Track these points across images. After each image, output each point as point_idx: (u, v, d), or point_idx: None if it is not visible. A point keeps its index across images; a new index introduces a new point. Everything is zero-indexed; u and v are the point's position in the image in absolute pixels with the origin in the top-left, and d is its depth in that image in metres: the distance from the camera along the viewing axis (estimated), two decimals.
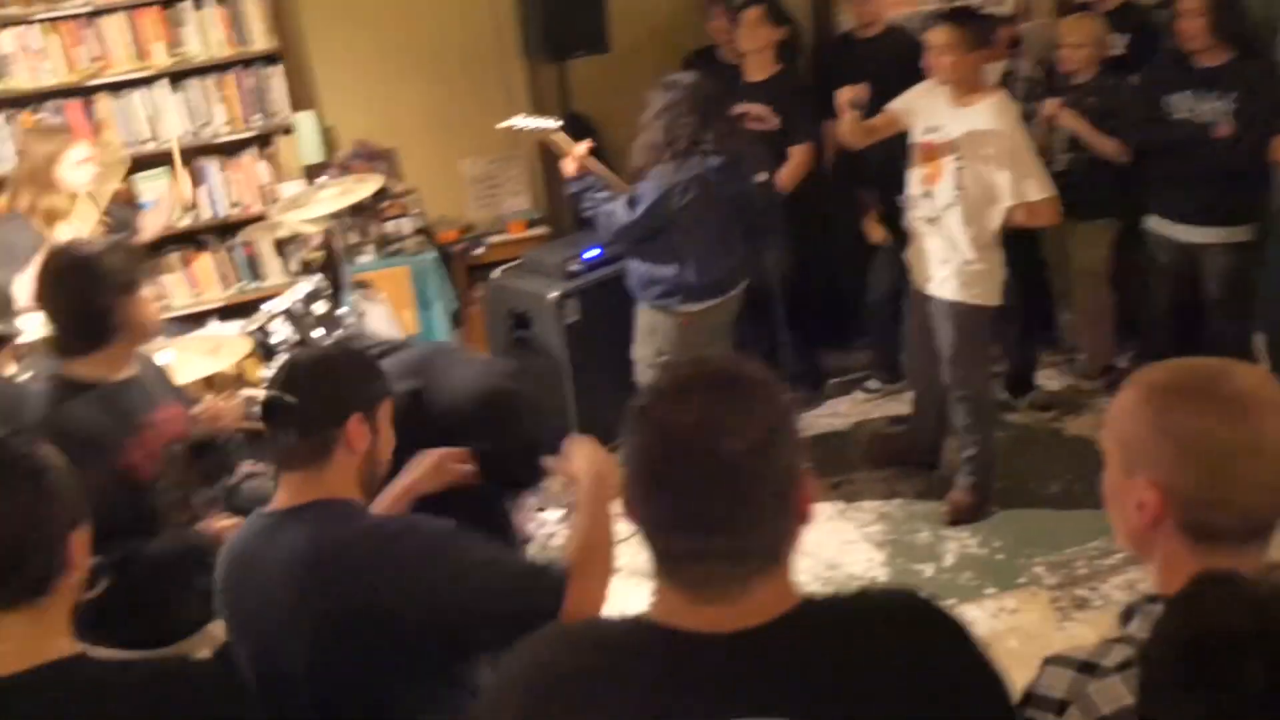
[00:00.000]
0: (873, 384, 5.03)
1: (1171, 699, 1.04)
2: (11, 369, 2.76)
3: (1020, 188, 3.69)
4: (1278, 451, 1.21)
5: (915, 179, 3.89)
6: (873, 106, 4.80)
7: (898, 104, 4.00)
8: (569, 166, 3.91)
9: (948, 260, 3.84)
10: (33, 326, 3.56)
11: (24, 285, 3.50)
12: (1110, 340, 4.84)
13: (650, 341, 3.99)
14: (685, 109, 3.72)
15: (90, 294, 2.36)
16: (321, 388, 1.82)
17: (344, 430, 1.81)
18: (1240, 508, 1.22)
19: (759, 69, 4.61)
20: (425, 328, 4.81)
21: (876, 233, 4.76)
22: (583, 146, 3.91)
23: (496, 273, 4.74)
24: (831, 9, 5.21)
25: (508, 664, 1.29)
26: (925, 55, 3.86)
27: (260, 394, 3.44)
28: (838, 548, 3.99)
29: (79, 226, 3.82)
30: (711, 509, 1.13)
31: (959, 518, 4.06)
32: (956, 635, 1.23)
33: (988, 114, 3.69)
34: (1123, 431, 1.28)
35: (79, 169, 3.87)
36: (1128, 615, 1.27)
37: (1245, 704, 1.00)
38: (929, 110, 3.83)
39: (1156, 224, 4.40)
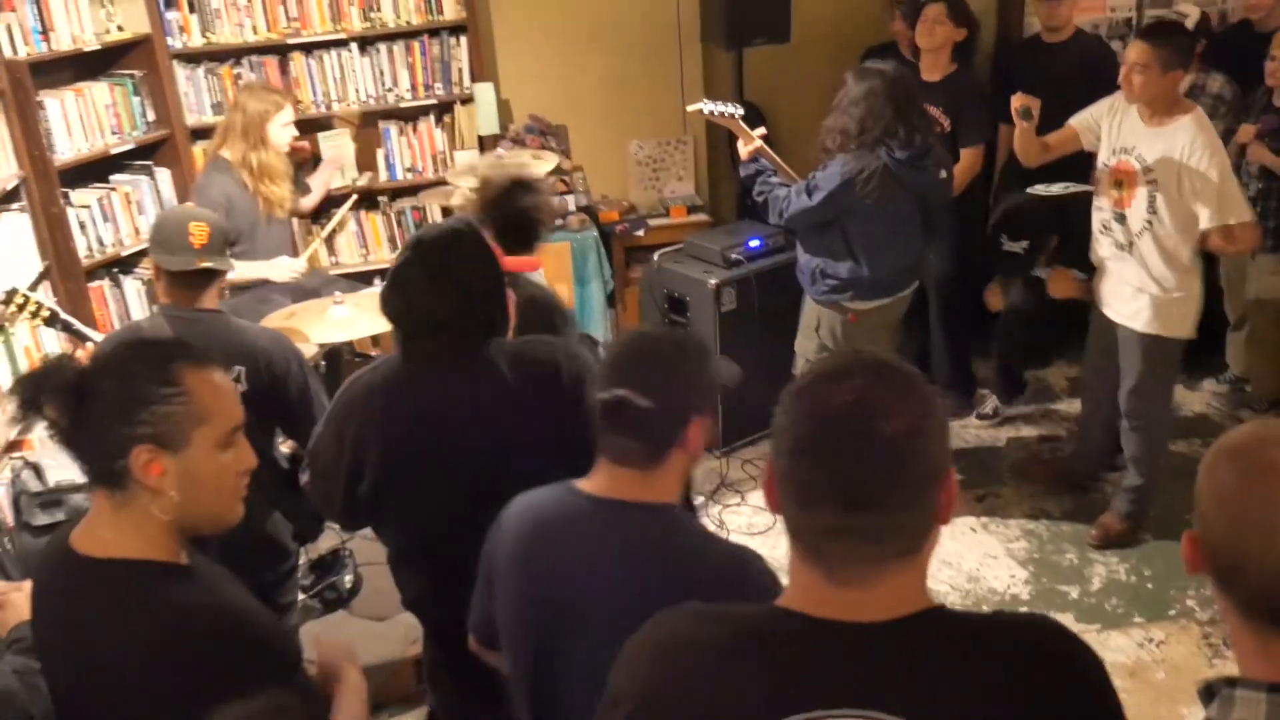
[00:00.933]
0: (987, 408, 4.90)
1: None
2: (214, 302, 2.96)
3: (1220, 210, 3.50)
4: None
5: (1105, 202, 3.74)
6: (1054, 116, 4.70)
7: (1079, 120, 3.86)
8: (746, 149, 3.92)
9: (1142, 289, 3.66)
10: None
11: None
12: None
13: (815, 335, 3.97)
14: (883, 99, 3.66)
15: None
16: (671, 389, 1.73)
17: (685, 433, 1.74)
18: (1263, 590, 1.17)
19: (934, 68, 4.53)
20: (581, 304, 4.89)
21: (995, 301, 4.66)
22: (760, 131, 3.93)
23: (656, 255, 4.78)
24: (1019, 10, 5.08)
25: (644, 631, 1.32)
26: (1118, 68, 3.72)
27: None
28: (980, 561, 3.92)
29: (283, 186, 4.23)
30: (863, 484, 1.15)
31: (1107, 543, 3.95)
32: (1087, 669, 1.23)
33: (1184, 135, 3.50)
34: (1199, 475, 1.26)
35: (285, 130, 4.23)
36: (1209, 694, 1.23)
37: None
38: (1119, 130, 3.67)
39: None
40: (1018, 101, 3.83)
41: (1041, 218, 4.06)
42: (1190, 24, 4.58)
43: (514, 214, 2.98)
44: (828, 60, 5.33)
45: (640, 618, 1.35)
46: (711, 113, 3.92)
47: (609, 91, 5.30)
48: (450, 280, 2.23)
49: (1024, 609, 3.66)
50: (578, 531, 1.74)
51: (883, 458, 1.15)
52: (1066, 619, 3.60)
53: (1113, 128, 3.70)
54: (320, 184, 4.72)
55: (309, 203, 4.66)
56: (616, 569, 1.68)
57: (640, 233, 5.16)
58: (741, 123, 3.93)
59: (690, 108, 4.14)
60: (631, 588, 1.65)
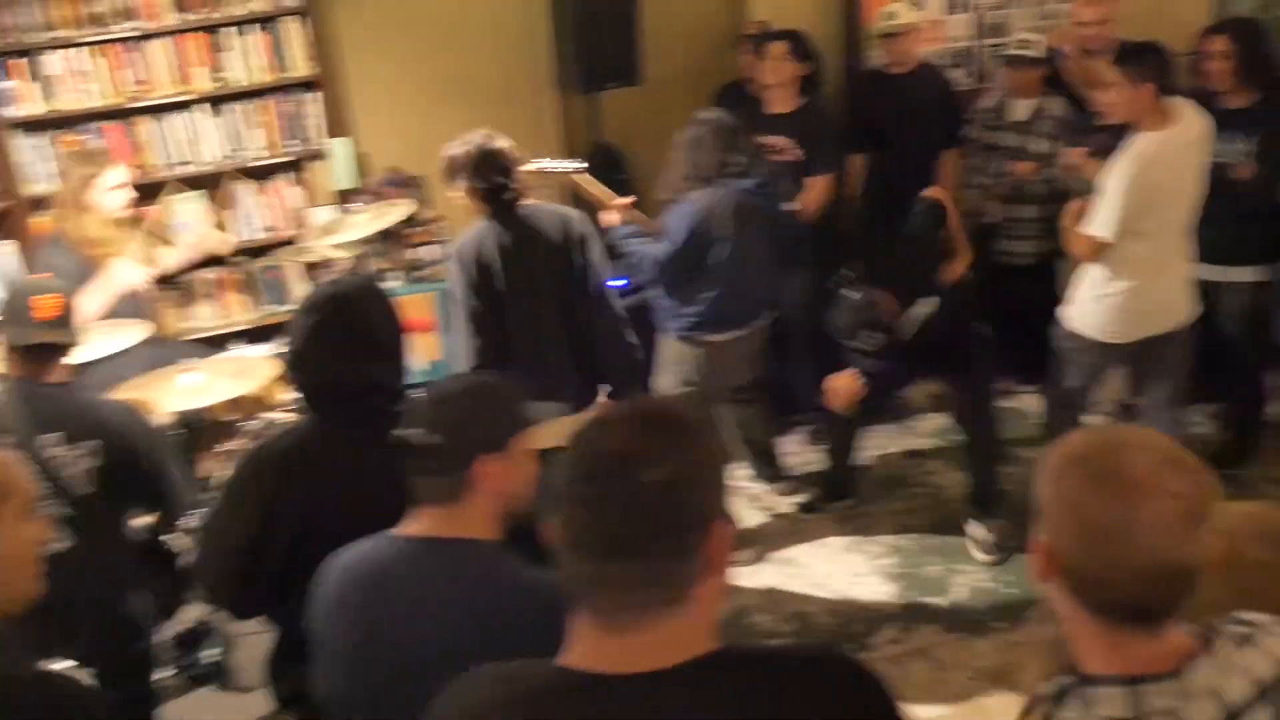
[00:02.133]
0: None
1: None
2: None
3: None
4: (1153, 541, 1.22)
5: None
6: (902, 145, 4.88)
7: None
8: (612, 218, 3.97)
9: None
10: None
11: (88, 304, 3.65)
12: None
13: (675, 371, 4.05)
14: (708, 141, 3.83)
15: None
16: (457, 426, 1.80)
17: (481, 469, 1.79)
18: (1116, 588, 1.25)
19: (784, 102, 4.68)
20: (449, 353, 4.88)
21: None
22: (625, 200, 3.98)
23: None
24: (863, 43, 5.26)
25: (441, 697, 1.35)
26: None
27: (284, 416, 3.58)
28: (849, 580, 4.02)
29: (124, 251, 4.02)
30: (619, 532, 1.18)
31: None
32: (873, 700, 1.27)
33: None
34: (1040, 487, 1.32)
35: (115, 194, 4.03)
36: (1059, 695, 1.29)
37: None
38: None
39: None
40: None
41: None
42: (1037, 53, 4.80)
43: (493, 184, 3.37)
44: (681, 99, 5.43)
45: (467, 655, 1.38)
46: (549, 170, 3.99)
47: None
48: (372, 340, 2.22)
49: (892, 623, 3.77)
50: (395, 574, 1.77)
51: (639, 507, 1.18)
52: (933, 629, 3.73)
53: None
54: (180, 259, 4.56)
55: (172, 264, 4.52)
56: (438, 607, 1.72)
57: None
58: (593, 182, 3.99)
59: (525, 167, 4.16)
60: (455, 625, 1.68)
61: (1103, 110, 3.90)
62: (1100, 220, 3.70)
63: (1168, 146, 3.65)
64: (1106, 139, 4.46)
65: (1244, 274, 4.26)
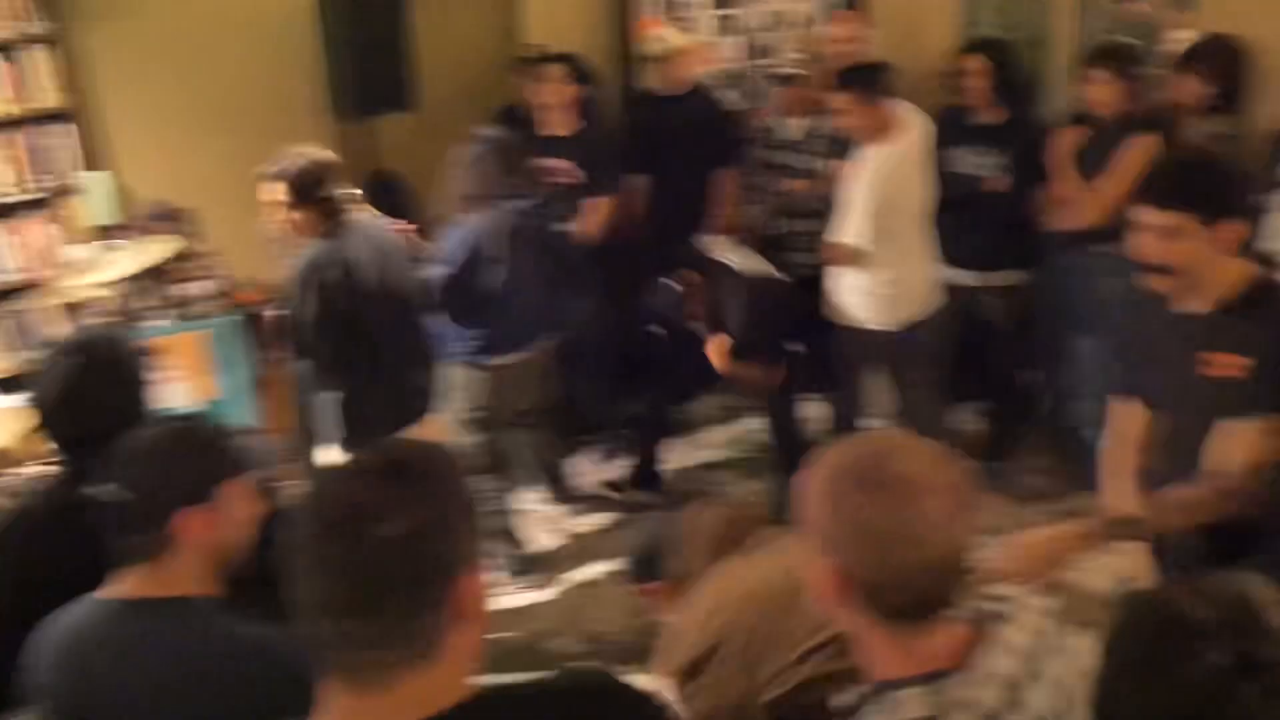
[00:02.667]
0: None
1: (1134, 684, 1.10)
2: None
3: None
4: (936, 535, 1.26)
5: None
6: (675, 166, 4.96)
7: None
8: None
9: None
10: None
11: None
12: None
13: (462, 397, 3.99)
14: (489, 161, 3.80)
15: None
16: (152, 479, 1.71)
17: (179, 524, 1.70)
18: (911, 589, 1.27)
19: (561, 124, 4.70)
20: (228, 393, 4.68)
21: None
22: (406, 226, 3.91)
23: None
24: (636, 68, 5.34)
25: None
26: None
27: (43, 469, 3.35)
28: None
29: None
30: (353, 593, 1.13)
31: None
32: (645, 715, 1.27)
33: None
34: (810, 511, 1.33)
35: None
36: (856, 705, 1.31)
37: (1202, 688, 1.05)
38: None
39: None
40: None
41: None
42: (804, 71, 5.00)
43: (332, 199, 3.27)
44: (461, 124, 5.39)
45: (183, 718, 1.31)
46: None
47: (240, 171, 5.09)
48: (122, 385, 2.13)
49: None
50: (100, 639, 1.67)
51: (375, 564, 1.13)
52: None
53: None
54: None
55: None
56: (146, 670, 1.63)
57: (286, 312, 4.99)
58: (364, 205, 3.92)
59: None
60: (166, 688, 1.60)
61: (840, 131, 4.15)
62: (854, 230, 3.93)
63: (901, 156, 3.96)
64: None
65: (1002, 279, 4.50)
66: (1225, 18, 4.15)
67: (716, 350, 4.22)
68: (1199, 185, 2.29)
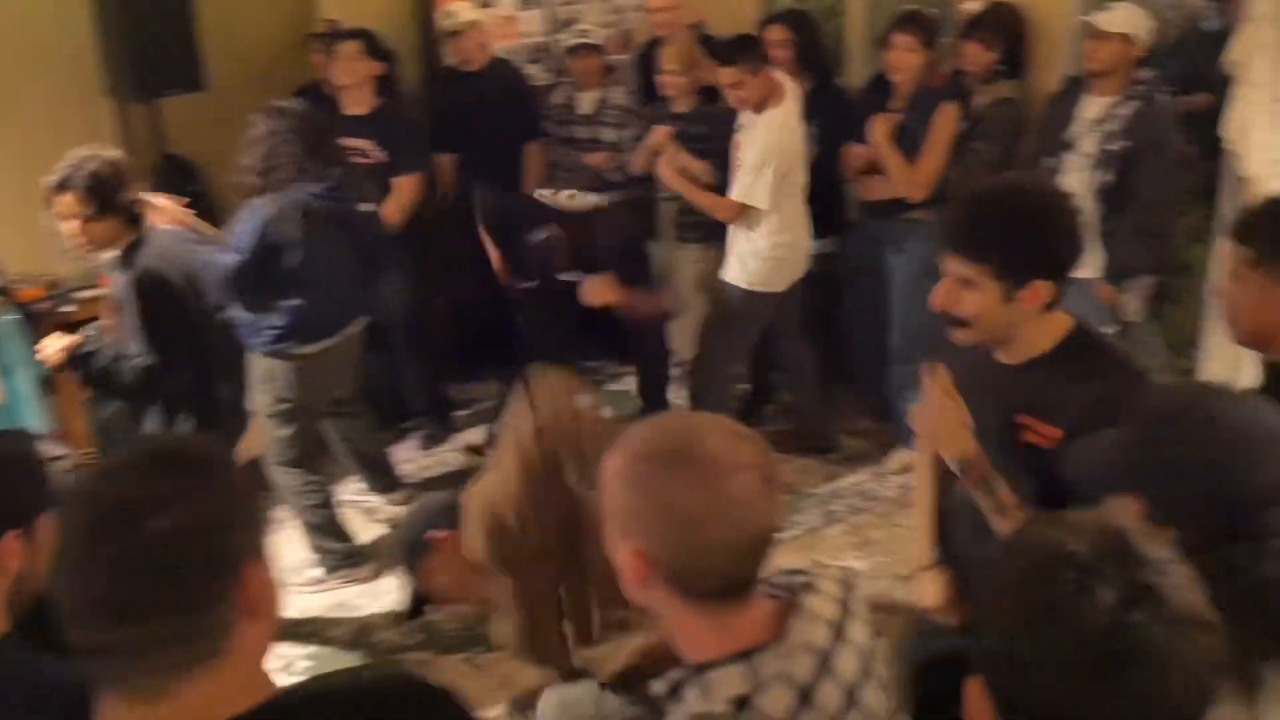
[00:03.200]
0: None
1: (1032, 637, 1.05)
2: None
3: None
4: (741, 514, 1.24)
5: None
6: (477, 141, 4.88)
7: None
8: (157, 219, 3.66)
9: None
10: None
11: None
12: None
13: (269, 389, 3.81)
14: (289, 136, 3.60)
15: None
16: None
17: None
18: (716, 569, 1.26)
19: (359, 103, 4.54)
20: (10, 396, 4.35)
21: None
22: (167, 200, 3.68)
23: (90, 329, 4.36)
24: (436, 45, 5.21)
25: None
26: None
27: None
28: None
29: None
30: (129, 592, 1.06)
31: None
32: (444, 715, 1.23)
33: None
34: (612, 494, 1.29)
35: None
36: (672, 693, 1.28)
37: (1099, 626, 1.02)
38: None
39: None
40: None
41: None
42: (596, 40, 5.00)
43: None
44: (253, 104, 5.12)
45: None
46: None
47: (13, 161, 4.77)
48: None
49: None
50: None
51: (144, 561, 1.06)
52: None
53: None
54: None
55: None
56: None
57: (70, 308, 4.69)
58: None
59: None
60: None
61: (734, 103, 4.20)
62: (749, 190, 4.11)
63: (790, 118, 4.15)
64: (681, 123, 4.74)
65: (815, 246, 4.59)
66: None
67: (602, 288, 4.21)
68: (1007, 237, 1.94)
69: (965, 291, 1.96)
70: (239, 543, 1.12)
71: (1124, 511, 1.42)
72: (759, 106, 4.10)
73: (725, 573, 1.26)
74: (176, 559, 1.07)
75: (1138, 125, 3.70)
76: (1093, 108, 3.83)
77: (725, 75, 4.09)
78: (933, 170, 4.13)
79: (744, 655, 1.27)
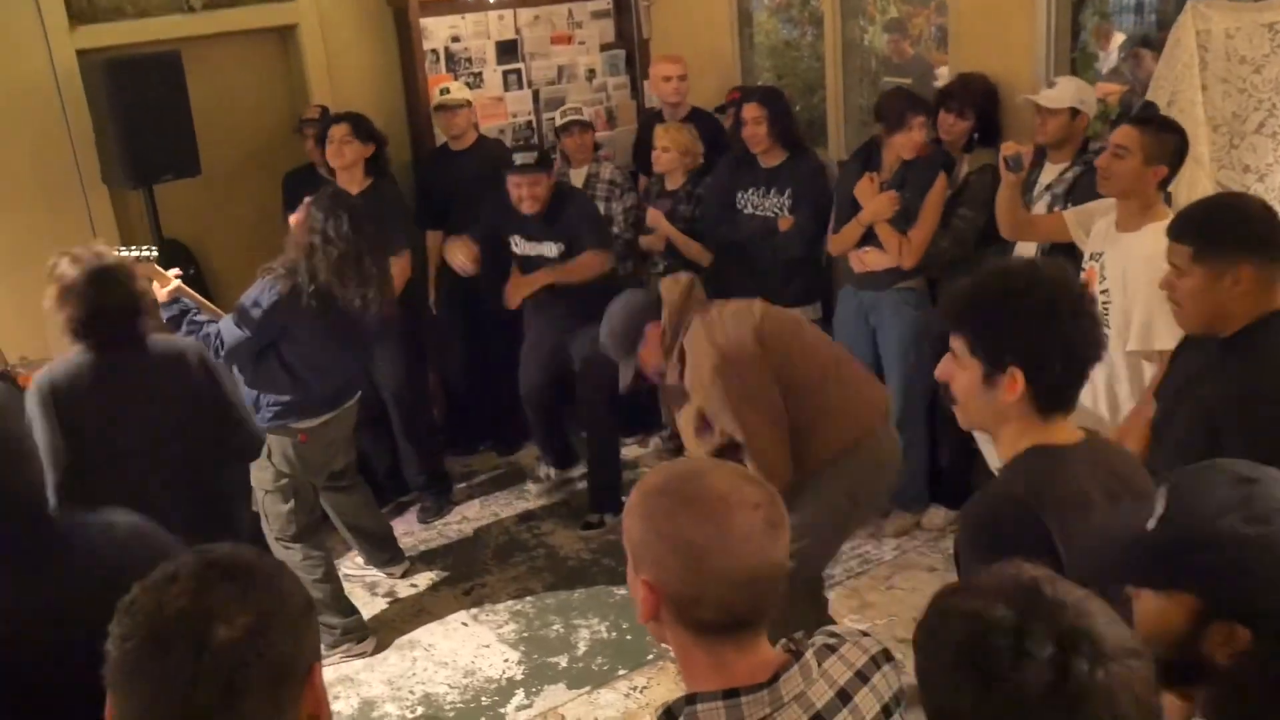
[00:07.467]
0: (543, 471, 5.13)
1: (975, 708, 1.08)
2: None
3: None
4: (742, 549, 1.31)
5: None
6: (461, 218, 4.98)
7: (1073, 213, 3.63)
8: (160, 292, 3.76)
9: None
10: None
11: None
12: None
13: (269, 464, 3.87)
14: (340, 245, 3.70)
15: None
16: None
17: None
18: (717, 602, 1.32)
19: (351, 184, 4.64)
20: None
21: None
22: (173, 273, 3.79)
23: None
24: (427, 122, 5.34)
25: None
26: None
27: None
28: (473, 654, 3.99)
29: None
30: (196, 702, 1.08)
31: None
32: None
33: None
34: (629, 530, 1.38)
35: None
36: (669, 717, 1.34)
37: (1041, 684, 1.06)
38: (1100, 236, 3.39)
39: None
40: (1007, 150, 3.64)
41: None
42: (586, 118, 5.15)
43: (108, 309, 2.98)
44: (248, 187, 5.30)
45: None
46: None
47: (15, 248, 4.86)
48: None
49: (520, 690, 3.78)
50: None
51: (220, 669, 1.08)
52: (558, 688, 3.77)
53: (1101, 232, 3.38)
54: None
55: None
56: None
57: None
58: (155, 265, 3.79)
59: None
60: None
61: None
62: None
63: None
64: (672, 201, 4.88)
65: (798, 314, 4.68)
66: (971, 58, 4.49)
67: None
68: (985, 322, 1.84)
69: (952, 367, 1.89)
70: (302, 645, 1.15)
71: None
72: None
73: (725, 603, 1.31)
74: (249, 663, 1.08)
75: (1078, 188, 3.83)
76: (1047, 174, 3.99)
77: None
78: (925, 240, 4.24)
79: (731, 693, 1.32)
